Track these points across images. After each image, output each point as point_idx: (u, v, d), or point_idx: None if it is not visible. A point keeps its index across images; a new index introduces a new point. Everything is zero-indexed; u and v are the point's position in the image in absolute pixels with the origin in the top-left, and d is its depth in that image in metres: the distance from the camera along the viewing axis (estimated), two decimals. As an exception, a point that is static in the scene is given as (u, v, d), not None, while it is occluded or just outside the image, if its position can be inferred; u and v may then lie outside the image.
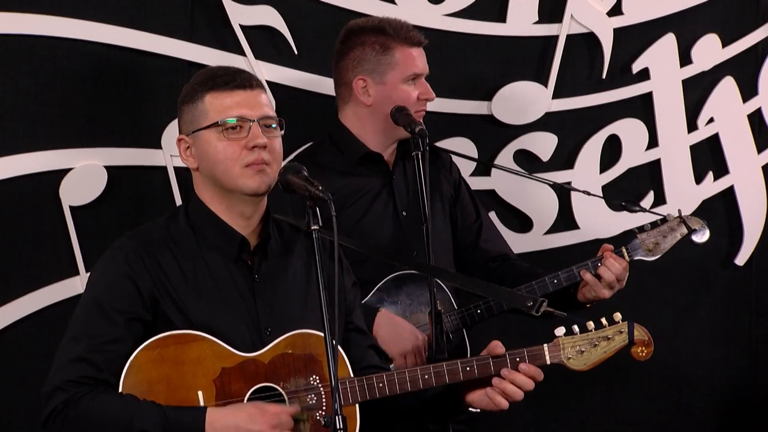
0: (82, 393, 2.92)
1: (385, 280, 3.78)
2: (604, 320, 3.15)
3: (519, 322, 3.79)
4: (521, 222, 4.51)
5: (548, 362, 3.12)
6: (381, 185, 3.90)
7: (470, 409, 3.17)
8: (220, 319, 3.04)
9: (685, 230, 3.95)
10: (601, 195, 4.48)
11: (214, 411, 2.92)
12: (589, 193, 4.21)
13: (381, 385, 3.04)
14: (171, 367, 2.97)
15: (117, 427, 2.90)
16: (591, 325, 3.13)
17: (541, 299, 3.31)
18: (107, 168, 3.96)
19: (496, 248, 4.04)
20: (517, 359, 3.08)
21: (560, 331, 3.13)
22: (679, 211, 3.98)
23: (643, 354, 3.15)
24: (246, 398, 2.98)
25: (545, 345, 3.11)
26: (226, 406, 2.94)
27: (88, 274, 3.80)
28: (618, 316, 3.15)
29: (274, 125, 3.12)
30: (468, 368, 3.08)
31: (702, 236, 4.00)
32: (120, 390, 2.94)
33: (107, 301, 3.00)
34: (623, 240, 3.96)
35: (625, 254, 3.88)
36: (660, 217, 3.97)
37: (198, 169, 3.12)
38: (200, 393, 2.96)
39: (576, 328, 3.13)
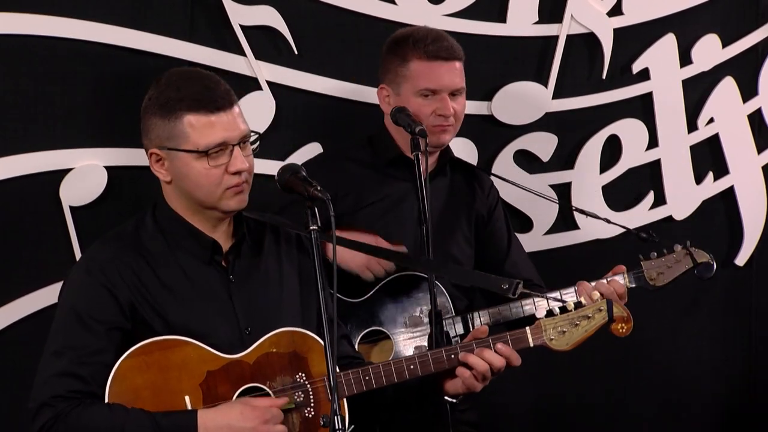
0: (70, 407, 2.92)
1: (385, 280, 3.78)
2: (583, 299, 3.17)
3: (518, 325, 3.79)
4: (521, 222, 4.51)
5: (531, 344, 3.13)
6: (408, 191, 3.86)
7: (446, 398, 3.17)
8: (200, 322, 3.04)
9: (690, 263, 3.93)
10: (603, 198, 4.49)
11: (205, 413, 2.93)
12: (592, 216, 4.17)
13: (367, 378, 3.05)
14: (156, 373, 2.96)
15: None
16: (571, 305, 3.16)
17: (516, 281, 3.30)
18: (107, 168, 3.96)
19: (520, 273, 3.97)
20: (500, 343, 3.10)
21: (541, 313, 3.13)
22: (688, 243, 3.97)
23: (623, 330, 3.18)
24: (233, 399, 2.99)
25: (527, 327, 3.13)
26: (217, 406, 2.95)
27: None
28: (596, 294, 3.18)
29: (251, 139, 3.08)
30: (453, 356, 3.09)
31: (708, 272, 3.97)
32: (106, 399, 2.93)
33: (86, 312, 2.99)
34: (629, 249, 3.94)
35: (626, 281, 3.86)
36: (668, 246, 3.95)
37: (171, 182, 3.09)
38: (187, 398, 2.96)
39: (556, 309, 3.14)
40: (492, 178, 4.12)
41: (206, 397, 2.96)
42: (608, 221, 4.21)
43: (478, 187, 4.04)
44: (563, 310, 3.15)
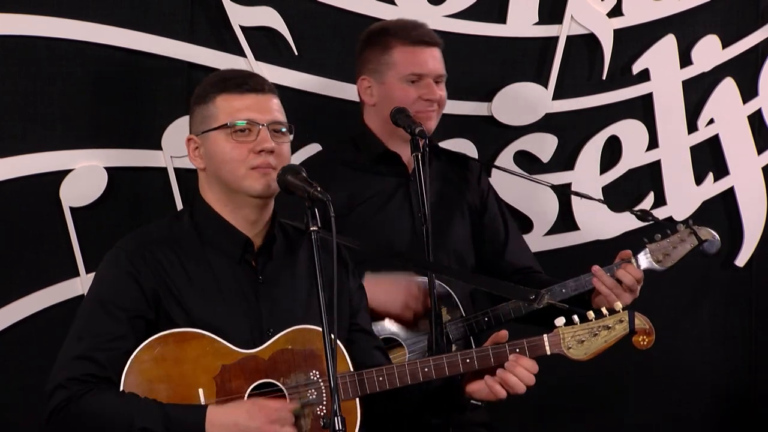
0: (84, 390, 2.94)
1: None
2: (604, 309, 3.13)
3: (525, 329, 3.78)
4: (521, 223, 4.51)
5: (548, 352, 3.10)
6: (397, 185, 3.88)
7: (472, 401, 3.16)
8: (222, 318, 3.05)
9: (695, 241, 3.92)
10: (602, 198, 4.48)
11: (214, 409, 2.94)
12: (589, 198, 4.17)
13: (381, 378, 3.05)
14: (171, 365, 2.98)
15: (118, 425, 2.91)
16: (591, 314, 3.12)
17: (542, 292, 3.30)
18: (107, 169, 3.96)
19: (520, 261, 4.00)
20: (517, 350, 3.08)
21: (560, 321, 3.11)
22: (690, 221, 3.96)
23: (645, 343, 3.13)
24: (246, 395, 2.99)
25: (545, 335, 3.10)
26: (226, 403, 2.96)
27: (89, 275, 3.83)
28: (618, 305, 3.14)
29: (283, 129, 3.14)
30: (468, 360, 3.08)
31: (713, 247, 3.96)
32: (121, 389, 2.95)
33: (110, 299, 3.02)
34: (632, 248, 3.94)
35: (634, 264, 3.86)
36: (670, 226, 3.95)
37: (205, 169, 3.14)
38: (201, 390, 2.97)
39: (576, 318, 3.11)
40: (494, 173, 4.11)
41: (220, 390, 2.98)
42: (602, 202, 4.29)
43: (469, 174, 4.04)
44: (583, 318, 3.11)
